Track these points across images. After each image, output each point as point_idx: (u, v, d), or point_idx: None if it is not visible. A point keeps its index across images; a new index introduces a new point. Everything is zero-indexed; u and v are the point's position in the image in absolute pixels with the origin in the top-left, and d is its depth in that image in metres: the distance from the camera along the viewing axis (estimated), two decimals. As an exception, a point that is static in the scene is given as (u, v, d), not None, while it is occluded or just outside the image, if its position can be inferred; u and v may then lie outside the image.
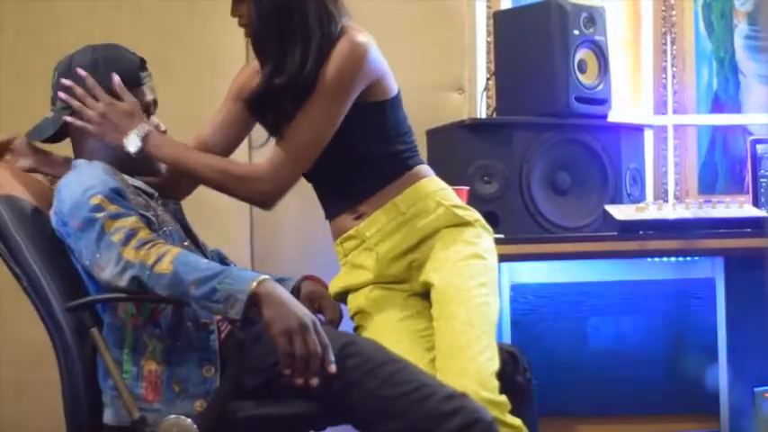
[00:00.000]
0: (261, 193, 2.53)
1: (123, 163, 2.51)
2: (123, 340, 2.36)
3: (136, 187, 2.50)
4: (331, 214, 2.65)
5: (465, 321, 2.43)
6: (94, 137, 2.51)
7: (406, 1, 3.70)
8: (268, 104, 2.53)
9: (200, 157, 2.54)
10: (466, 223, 2.58)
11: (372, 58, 2.51)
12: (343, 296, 2.65)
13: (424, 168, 2.64)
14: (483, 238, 2.59)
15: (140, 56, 2.58)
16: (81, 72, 2.50)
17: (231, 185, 2.53)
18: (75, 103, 2.50)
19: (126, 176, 2.50)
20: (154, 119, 2.57)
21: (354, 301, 2.62)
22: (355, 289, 2.62)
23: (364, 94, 2.52)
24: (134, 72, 2.54)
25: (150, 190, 2.56)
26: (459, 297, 2.47)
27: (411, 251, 2.58)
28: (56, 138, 2.58)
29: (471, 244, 2.55)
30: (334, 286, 2.65)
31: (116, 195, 2.37)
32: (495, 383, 2.37)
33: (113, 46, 2.59)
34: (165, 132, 2.57)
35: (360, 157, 2.56)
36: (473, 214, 2.62)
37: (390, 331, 2.53)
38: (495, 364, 2.40)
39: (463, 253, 2.53)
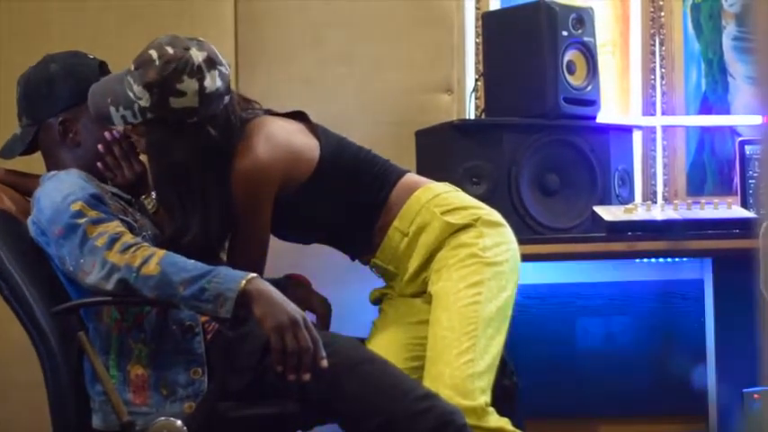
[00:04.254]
0: None
1: (95, 172, 2.52)
2: (109, 346, 2.36)
3: (113, 193, 2.51)
4: (353, 256, 2.71)
5: (446, 326, 2.44)
6: (65, 148, 2.53)
7: (395, 1, 3.69)
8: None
9: None
10: (464, 227, 2.56)
11: (269, 168, 2.49)
12: (379, 300, 2.72)
13: (406, 182, 2.64)
14: (485, 237, 2.55)
15: (101, 60, 2.59)
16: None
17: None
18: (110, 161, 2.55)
19: (102, 183, 2.50)
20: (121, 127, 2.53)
21: (383, 303, 2.70)
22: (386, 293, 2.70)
23: (293, 183, 2.53)
24: (94, 78, 2.52)
25: (126, 196, 2.56)
26: (445, 302, 2.48)
27: (423, 269, 2.59)
28: (25, 152, 2.59)
29: (468, 245, 2.54)
30: (373, 294, 2.71)
31: (96, 201, 2.36)
32: (473, 386, 2.38)
33: (72, 54, 2.59)
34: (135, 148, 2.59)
35: (342, 216, 2.60)
36: (471, 214, 2.59)
37: (387, 333, 2.59)
38: (476, 366, 2.40)
39: (458, 256, 2.53)
